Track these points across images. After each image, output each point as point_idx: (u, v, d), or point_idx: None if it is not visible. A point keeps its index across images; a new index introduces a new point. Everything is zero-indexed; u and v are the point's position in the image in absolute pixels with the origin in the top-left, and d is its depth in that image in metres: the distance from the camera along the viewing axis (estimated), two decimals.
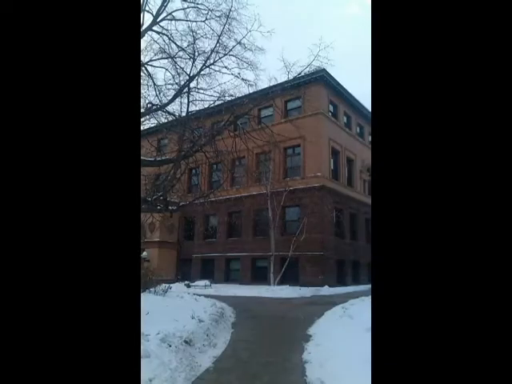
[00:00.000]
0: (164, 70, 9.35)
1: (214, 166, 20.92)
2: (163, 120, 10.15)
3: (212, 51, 8.68)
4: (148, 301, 8.49)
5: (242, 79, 9.31)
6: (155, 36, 9.24)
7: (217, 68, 9.30)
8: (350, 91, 23.78)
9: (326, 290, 17.06)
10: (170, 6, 9.17)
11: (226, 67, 9.28)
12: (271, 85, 11.73)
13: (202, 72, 9.12)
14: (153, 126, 12.05)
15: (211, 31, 9.04)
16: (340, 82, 22.63)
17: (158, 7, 8.66)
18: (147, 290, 12.70)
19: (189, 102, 8.95)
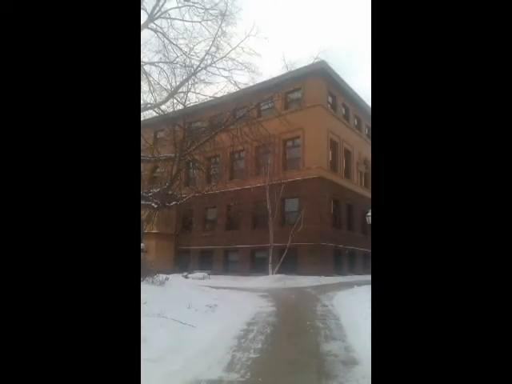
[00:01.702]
0: (159, 68, 9.43)
1: (213, 159, 21.05)
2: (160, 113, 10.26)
3: (207, 53, 8.80)
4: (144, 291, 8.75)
5: (235, 83, 9.44)
6: (150, 34, 9.35)
7: (212, 70, 9.41)
8: (348, 83, 23.80)
9: (326, 280, 17.33)
10: (166, 6, 9.24)
11: (223, 69, 9.39)
12: (272, 77, 11.80)
13: (198, 73, 9.22)
14: (148, 118, 12.06)
15: (207, 32, 9.13)
16: (339, 74, 22.65)
17: (152, 5, 8.74)
18: (145, 280, 12.95)
19: (186, 103, 9.07)
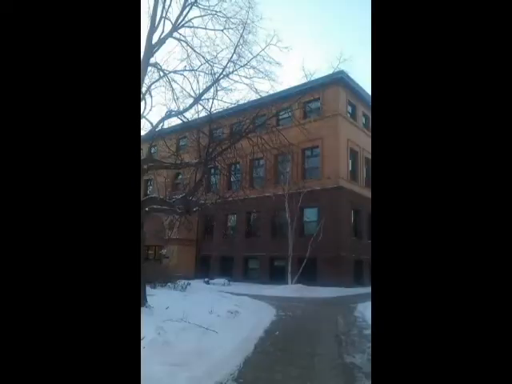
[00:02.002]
0: (182, 76, 9.62)
1: (233, 166, 21.23)
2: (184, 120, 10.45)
3: (229, 61, 8.94)
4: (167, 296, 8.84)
5: (256, 91, 9.55)
6: (175, 43, 9.54)
7: (234, 78, 9.55)
8: (368, 92, 23.71)
9: (346, 291, 17.08)
10: (189, 15, 9.46)
11: (245, 77, 9.52)
12: (291, 86, 11.88)
13: (221, 80, 9.37)
14: (171, 126, 12.28)
15: (228, 41, 9.30)
16: (358, 83, 22.61)
17: (176, 15, 8.96)
18: (167, 285, 13.12)
19: (211, 110, 9.22)
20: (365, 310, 9.70)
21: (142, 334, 3.70)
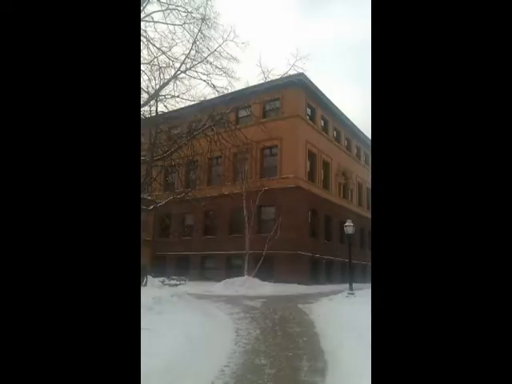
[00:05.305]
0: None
1: (191, 164, 21.04)
2: None
3: (186, 56, 8.89)
4: None
5: (214, 86, 9.55)
6: None
7: (191, 74, 9.48)
8: (326, 95, 24.31)
9: (301, 289, 17.40)
10: (148, 8, 9.31)
11: (202, 73, 9.49)
12: (251, 85, 11.99)
13: (179, 76, 9.27)
14: None
15: (188, 35, 9.24)
16: (318, 87, 23.12)
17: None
18: None
19: (156, 107, 9.08)
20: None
21: None
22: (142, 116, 9.37)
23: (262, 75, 9.76)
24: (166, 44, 9.42)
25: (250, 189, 19.84)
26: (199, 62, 9.09)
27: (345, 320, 7.36)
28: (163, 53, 9.23)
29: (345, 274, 21.92)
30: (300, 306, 10.73)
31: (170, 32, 9.38)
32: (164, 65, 9.14)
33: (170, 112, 10.34)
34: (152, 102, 9.32)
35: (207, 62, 9.18)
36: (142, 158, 9.38)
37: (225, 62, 9.72)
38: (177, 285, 18.07)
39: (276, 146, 21.65)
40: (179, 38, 9.21)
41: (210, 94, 10.57)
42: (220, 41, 9.25)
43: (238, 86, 13.71)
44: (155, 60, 9.10)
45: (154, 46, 9.35)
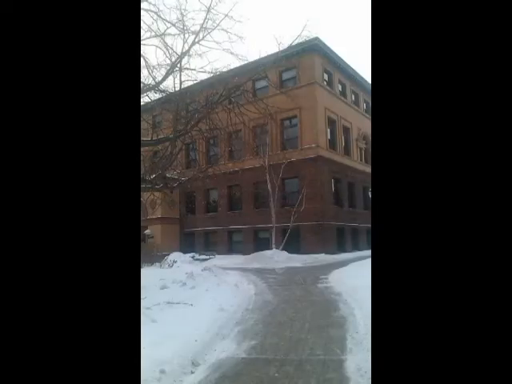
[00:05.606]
0: (155, 47, 9.25)
1: (211, 140, 20.98)
2: (157, 96, 10.15)
3: (201, 26, 8.61)
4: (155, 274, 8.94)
5: (232, 53, 9.28)
6: (142, 13, 9.09)
7: (207, 44, 9.25)
8: (343, 59, 23.52)
9: (329, 258, 17.47)
10: None
11: (216, 42, 9.20)
12: (264, 55, 11.69)
13: (193, 49, 9.05)
14: (146, 103, 12.06)
15: (200, 5, 8.94)
16: (333, 50, 22.36)
17: None
18: (154, 264, 13.24)
19: (181, 79, 8.94)
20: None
21: None
22: (166, 91, 9.27)
23: (277, 46, 9.41)
24: (178, 15, 9.12)
25: (273, 162, 19.72)
26: (213, 29, 8.77)
27: None
28: (173, 25, 8.96)
29: (370, 240, 21.79)
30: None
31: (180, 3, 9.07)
32: (178, 32, 8.84)
33: (188, 87, 10.17)
34: (171, 77, 9.16)
35: (222, 29, 8.87)
36: (164, 136, 9.37)
37: (240, 26, 9.37)
38: (206, 259, 18.51)
39: (295, 116, 21.24)
40: (192, 9, 8.91)
41: (225, 67, 10.25)
42: (231, 5, 8.86)
43: (254, 50, 13.36)
44: (165, 30, 8.84)
45: (164, 20, 9.11)
